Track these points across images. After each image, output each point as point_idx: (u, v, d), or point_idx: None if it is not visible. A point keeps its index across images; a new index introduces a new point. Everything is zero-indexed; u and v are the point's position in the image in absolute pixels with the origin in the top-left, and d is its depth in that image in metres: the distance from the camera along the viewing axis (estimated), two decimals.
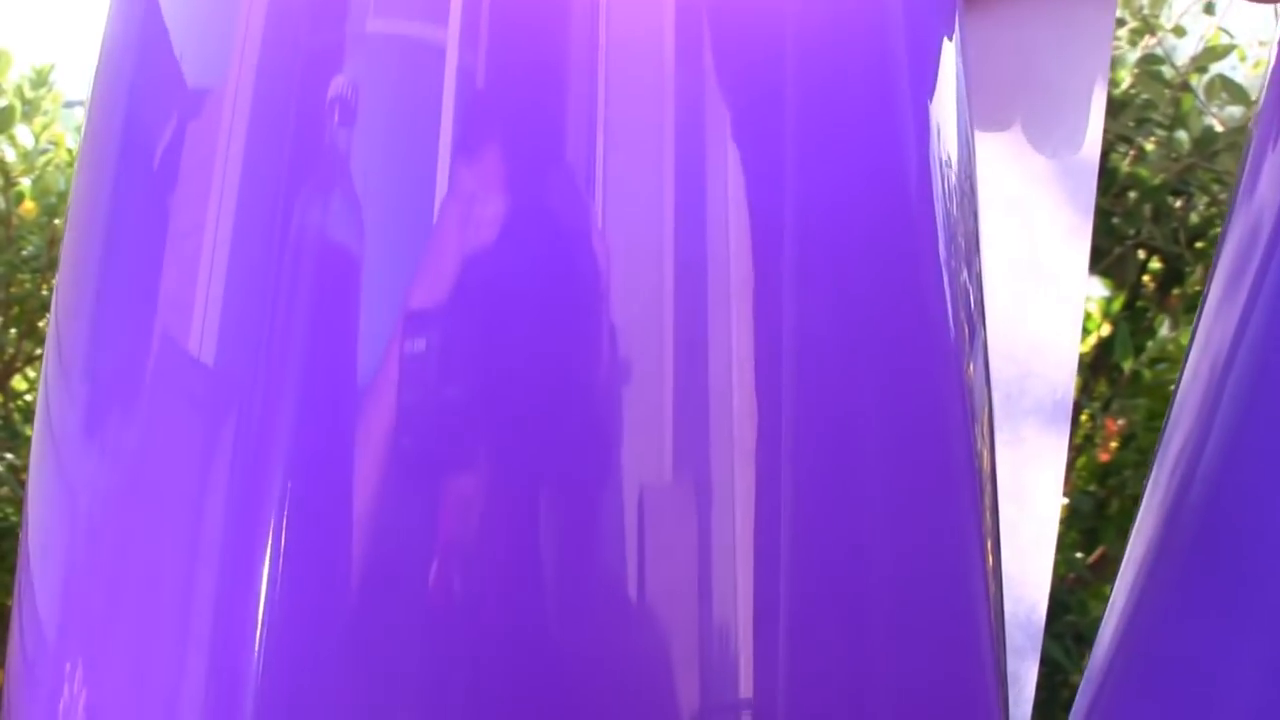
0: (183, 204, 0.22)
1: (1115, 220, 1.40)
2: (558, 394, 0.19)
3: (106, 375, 0.22)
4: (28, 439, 1.66)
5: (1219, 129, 1.38)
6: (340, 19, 0.20)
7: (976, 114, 0.37)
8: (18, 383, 1.68)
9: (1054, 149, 0.37)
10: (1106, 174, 1.43)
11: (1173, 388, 0.26)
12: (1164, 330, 1.43)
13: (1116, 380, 1.41)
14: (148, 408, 0.22)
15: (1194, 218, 1.44)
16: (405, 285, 0.19)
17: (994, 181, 0.38)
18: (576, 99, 0.20)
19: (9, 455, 1.59)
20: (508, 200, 0.19)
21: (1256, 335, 0.23)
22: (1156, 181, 1.39)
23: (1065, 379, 0.38)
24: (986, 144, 0.38)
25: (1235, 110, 1.39)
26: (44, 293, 1.60)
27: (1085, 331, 1.60)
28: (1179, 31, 1.43)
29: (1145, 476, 0.27)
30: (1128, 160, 1.42)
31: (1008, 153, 0.37)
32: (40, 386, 0.24)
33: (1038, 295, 0.38)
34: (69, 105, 1.69)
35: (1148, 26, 1.39)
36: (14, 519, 1.64)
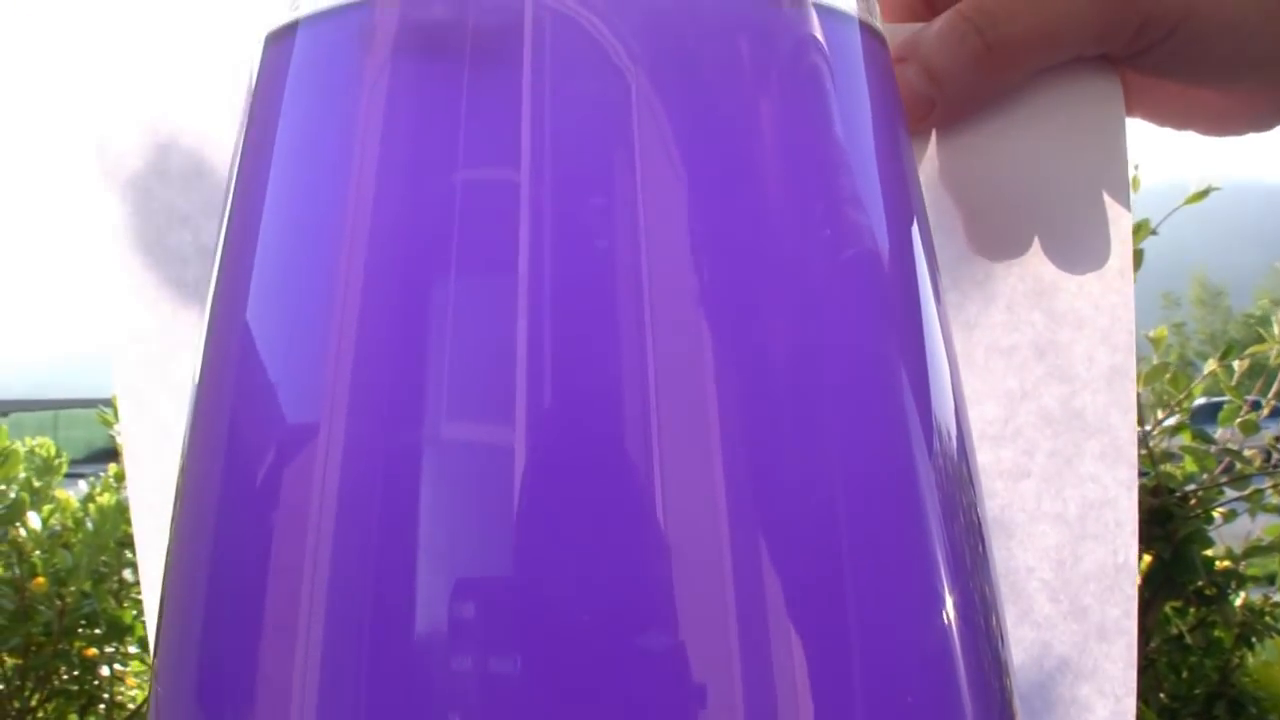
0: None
1: None
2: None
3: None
4: None
5: None
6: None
7: (987, 249, 0.34)
8: None
9: (1079, 283, 0.34)
10: None
11: None
12: None
13: None
14: None
15: None
16: None
17: (1018, 326, 0.34)
18: None
19: None
20: None
21: None
22: None
23: (1126, 539, 0.34)
24: (1005, 281, 0.34)
25: None
26: (58, 652, 1.61)
27: None
28: None
29: None
30: None
31: (1029, 290, 0.34)
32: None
33: (1083, 449, 0.34)
34: (70, 477, 1.66)
35: None
36: None
